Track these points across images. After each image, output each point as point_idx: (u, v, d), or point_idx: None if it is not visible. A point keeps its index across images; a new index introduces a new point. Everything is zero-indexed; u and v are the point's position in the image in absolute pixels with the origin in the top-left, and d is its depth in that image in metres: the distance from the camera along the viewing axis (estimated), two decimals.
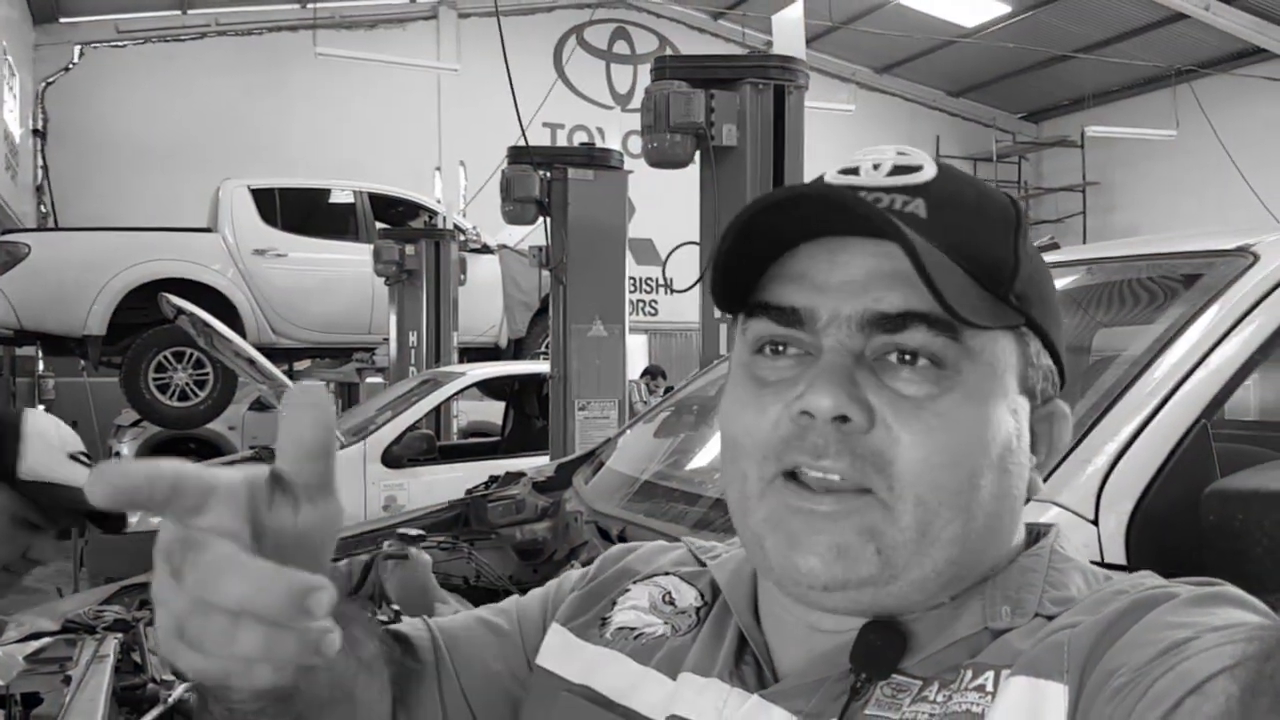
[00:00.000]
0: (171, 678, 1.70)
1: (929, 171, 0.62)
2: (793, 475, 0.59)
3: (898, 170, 0.62)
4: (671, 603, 0.73)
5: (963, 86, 15.85)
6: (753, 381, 0.62)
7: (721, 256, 0.61)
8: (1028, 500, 0.65)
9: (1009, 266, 0.61)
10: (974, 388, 0.59)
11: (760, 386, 0.62)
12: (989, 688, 0.56)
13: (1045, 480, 0.66)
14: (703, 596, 0.73)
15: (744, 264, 0.62)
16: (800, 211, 0.60)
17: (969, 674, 0.57)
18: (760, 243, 0.61)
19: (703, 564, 0.76)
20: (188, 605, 0.45)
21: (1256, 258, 1.55)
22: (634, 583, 0.76)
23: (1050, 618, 0.58)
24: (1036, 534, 0.66)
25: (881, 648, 0.59)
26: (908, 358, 0.59)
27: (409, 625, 0.78)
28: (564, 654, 0.73)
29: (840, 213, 0.59)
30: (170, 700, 1.58)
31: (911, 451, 0.57)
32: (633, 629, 0.72)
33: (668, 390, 8.21)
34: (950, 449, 0.58)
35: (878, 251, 0.59)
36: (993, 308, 0.59)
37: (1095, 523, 1.34)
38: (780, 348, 0.62)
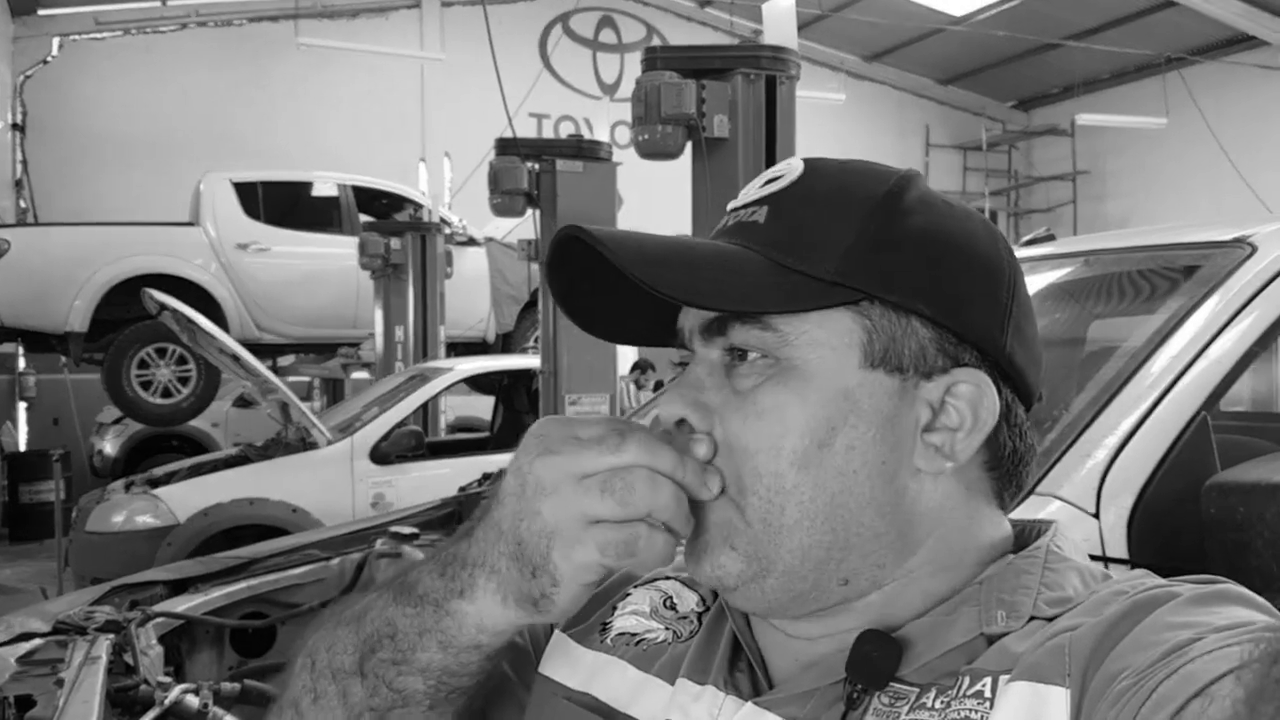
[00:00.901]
0: (167, 679, 1.68)
1: (789, 178, 0.64)
2: None
3: (769, 182, 0.65)
4: (673, 608, 0.73)
5: (952, 75, 15.85)
6: None
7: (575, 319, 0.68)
8: (1006, 488, 0.65)
9: (837, 247, 0.60)
10: (793, 371, 0.60)
11: None
12: (987, 693, 0.55)
13: (1009, 469, 0.65)
14: (704, 601, 0.73)
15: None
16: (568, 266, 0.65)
17: (966, 680, 0.57)
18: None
19: None
20: (622, 465, 0.57)
21: (1254, 249, 1.55)
22: (634, 587, 0.76)
23: (1047, 619, 0.58)
24: (1036, 532, 0.66)
25: (877, 658, 0.59)
26: (740, 356, 0.62)
27: None
28: (564, 661, 0.73)
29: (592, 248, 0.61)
30: (166, 703, 1.57)
31: (736, 443, 0.60)
32: (634, 635, 0.72)
33: (657, 385, 8.21)
34: (764, 435, 0.60)
35: None
36: (801, 292, 0.60)
37: (1096, 516, 1.34)
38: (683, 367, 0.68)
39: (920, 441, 0.61)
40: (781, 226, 0.62)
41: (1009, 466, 0.65)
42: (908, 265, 0.61)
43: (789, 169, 0.65)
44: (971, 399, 0.62)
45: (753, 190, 0.66)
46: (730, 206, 0.67)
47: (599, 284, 0.65)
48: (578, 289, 0.66)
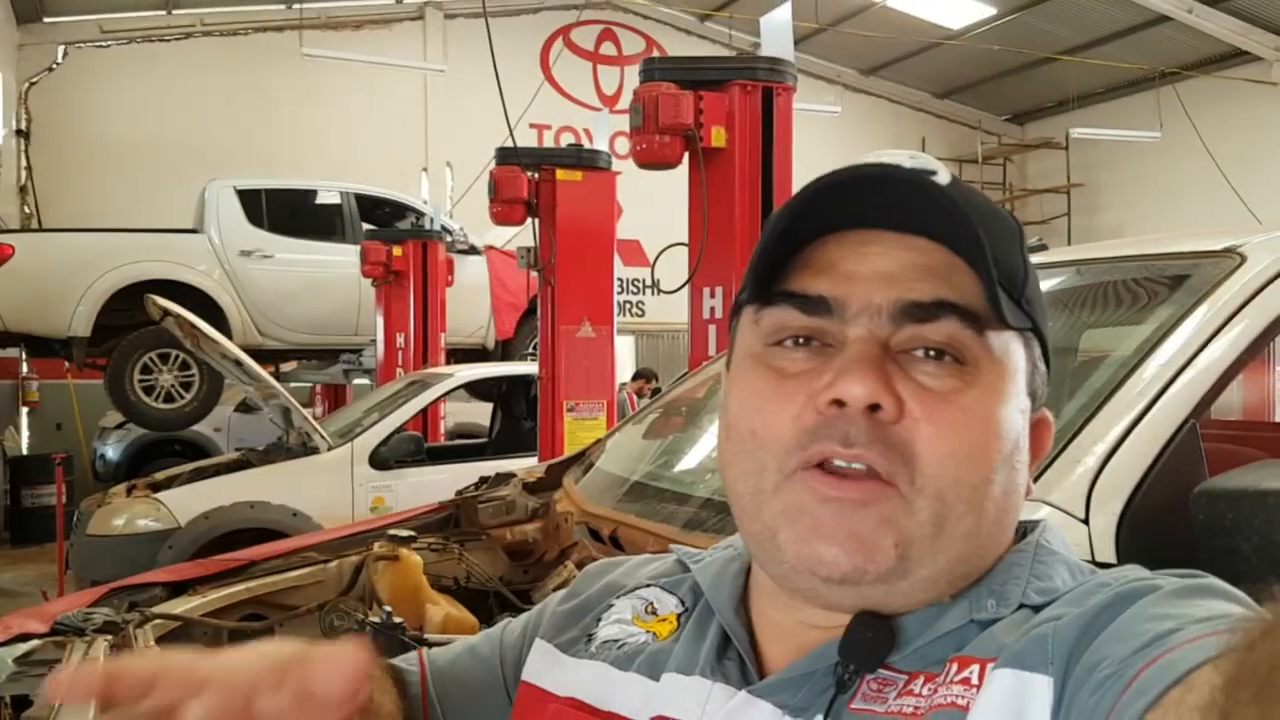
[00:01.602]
0: None
1: (945, 175, 0.62)
2: (817, 466, 0.59)
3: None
4: (654, 612, 0.74)
5: (948, 88, 15.90)
6: (770, 372, 0.62)
7: (772, 236, 0.61)
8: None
9: (1021, 272, 0.63)
10: (991, 384, 0.60)
11: (780, 378, 0.61)
12: (974, 680, 0.56)
13: (1035, 481, 0.68)
14: (683, 603, 0.74)
15: (764, 255, 0.62)
16: (844, 197, 0.61)
17: (954, 667, 0.57)
18: (782, 236, 0.62)
19: (688, 569, 0.76)
20: None
21: (1243, 259, 1.56)
22: (617, 597, 0.77)
23: (1035, 608, 0.59)
24: (1024, 530, 0.67)
25: (872, 640, 0.59)
26: (932, 352, 0.60)
27: (404, 661, 0.81)
28: (550, 670, 0.74)
29: (899, 197, 0.59)
30: None
31: (936, 444, 0.58)
32: (616, 640, 0.73)
33: (654, 393, 8.22)
34: (971, 443, 0.59)
35: (907, 245, 0.61)
36: (1010, 309, 0.61)
37: (1086, 522, 1.34)
38: (801, 340, 0.62)
39: (1029, 466, 0.65)
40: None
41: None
42: (1042, 304, 0.66)
43: (935, 165, 0.63)
44: (1045, 433, 0.67)
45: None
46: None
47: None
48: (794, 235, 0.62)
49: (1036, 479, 1.35)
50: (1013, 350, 0.62)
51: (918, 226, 0.60)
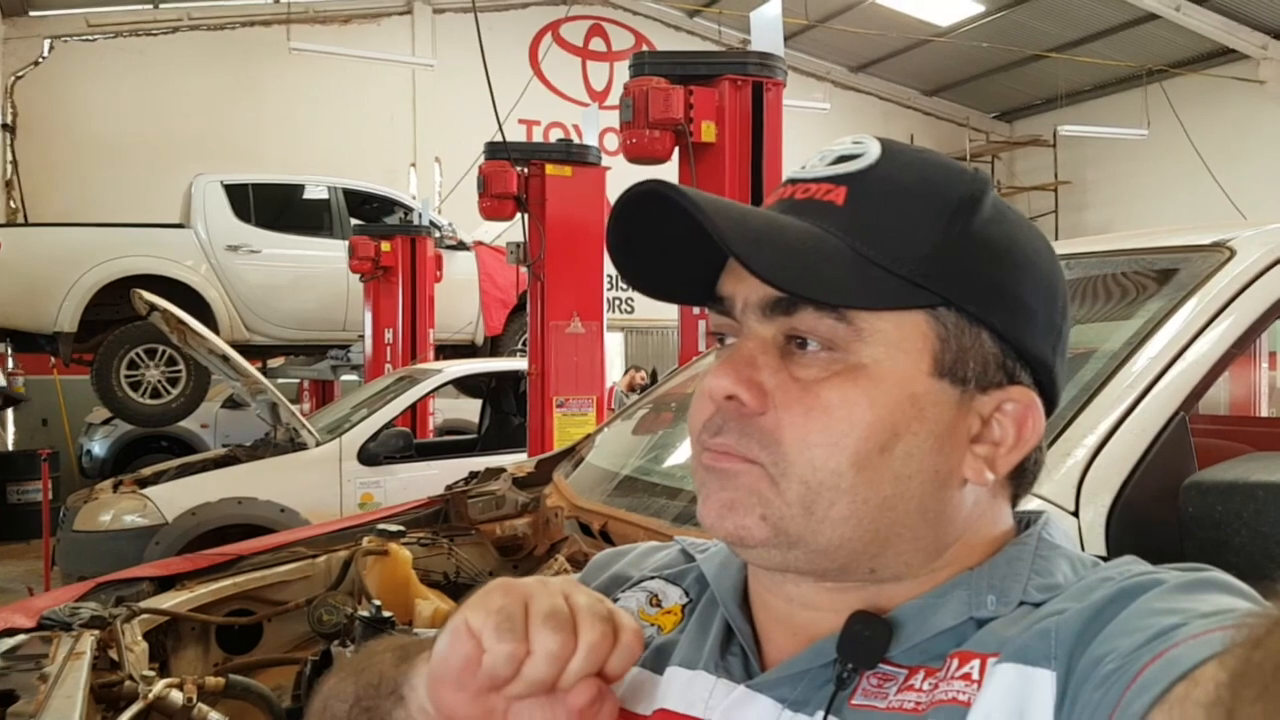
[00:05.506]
0: (150, 673, 1.68)
1: (868, 159, 0.62)
2: None
3: (840, 159, 0.63)
4: (659, 605, 0.74)
5: (937, 86, 15.96)
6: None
7: (622, 272, 0.65)
8: (1023, 492, 0.65)
9: (923, 246, 0.59)
10: (864, 370, 0.59)
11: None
12: (975, 675, 0.56)
13: (1031, 476, 0.65)
14: (687, 594, 0.74)
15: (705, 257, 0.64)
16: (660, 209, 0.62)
17: (955, 662, 0.57)
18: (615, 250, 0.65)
19: (692, 559, 0.76)
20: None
21: (1233, 253, 1.56)
22: (621, 591, 0.77)
23: (1036, 605, 0.58)
24: (1026, 522, 0.66)
25: (869, 638, 0.59)
26: (797, 341, 0.60)
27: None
28: None
29: (670, 206, 0.60)
30: (149, 697, 1.57)
31: (791, 433, 0.59)
32: None
33: (652, 378, 8.21)
34: (827, 431, 0.58)
35: None
36: (884, 288, 0.59)
37: (1076, 514, 1.34)
38: (723, 337, 0.65)
39: (970, 452, 0.61)
40: (863, 213, 0.60)
41: (1031, 475, 0.66)
42: (987, 274, 0.60)
43: (866, 149, 0.63)
44: (1018, 417, 0.62)
45: (821, 166, 0.63)
46: (795, 177, 0.64)
47: (658, 239, 0.63)
48: (634, 242, 0.64)
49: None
50: (902, 331, 0.59)
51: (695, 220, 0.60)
